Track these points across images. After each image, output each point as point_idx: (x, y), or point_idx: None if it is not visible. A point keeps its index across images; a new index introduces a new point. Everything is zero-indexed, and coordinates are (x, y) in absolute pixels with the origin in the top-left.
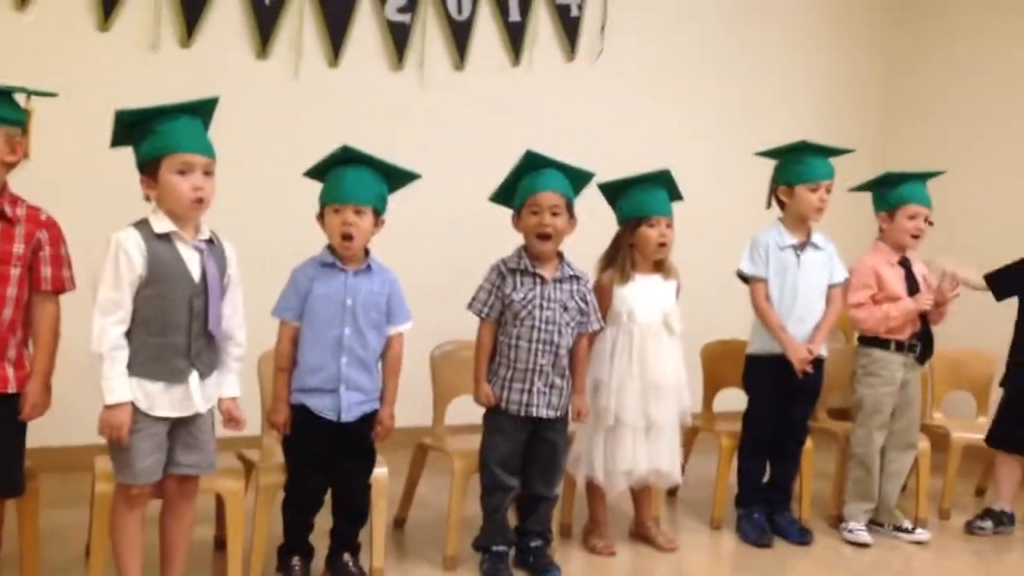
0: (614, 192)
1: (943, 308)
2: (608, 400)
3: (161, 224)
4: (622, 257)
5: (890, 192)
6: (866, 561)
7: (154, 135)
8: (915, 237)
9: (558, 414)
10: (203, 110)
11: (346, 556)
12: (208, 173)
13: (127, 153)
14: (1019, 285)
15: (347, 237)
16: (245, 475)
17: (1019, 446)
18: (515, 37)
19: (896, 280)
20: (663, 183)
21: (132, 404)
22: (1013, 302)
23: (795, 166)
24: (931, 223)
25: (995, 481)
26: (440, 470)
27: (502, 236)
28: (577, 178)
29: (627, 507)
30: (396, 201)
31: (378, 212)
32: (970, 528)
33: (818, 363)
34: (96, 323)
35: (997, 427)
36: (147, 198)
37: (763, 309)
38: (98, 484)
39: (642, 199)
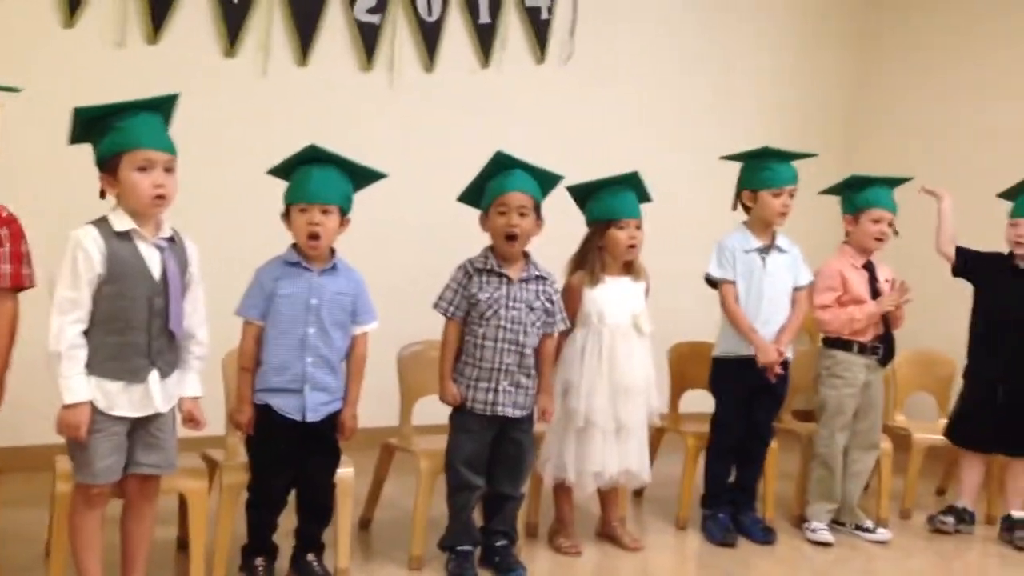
0: (583, 194)
1: (900, 311)
2: (578, 402)
3: (121, 222)
4: (592, 259)
5: (855, 196)
6: (828, 560)
7: (114, 132)
8: (879, 240)
9: (524, 414)
10: (163, 107)
11: (310, 556)
12: (169, 170)
13: (91, 150)
14: (978, 271)
15: (313, 237)
16: (209, 475)
17: (981, 445)
18: (485, 39)
19: (860, 283)
20: (632, 185)
21: (91, 403)
22: (968, 295)
23: (758, 171)
24: (896, 232)
25: (958, 479)
26: (406, 470)
27: (470, 237)
28: (545, 180)
29: (593, 507)
30: (365, 201)
31: (344, 212)
32: (932, 522)
33: (784, 365)
34: (54, 322)
35: (958, 423)
36: (102, 195)
37: (733, 311)
38: (58, 484)
39: (611, 201)
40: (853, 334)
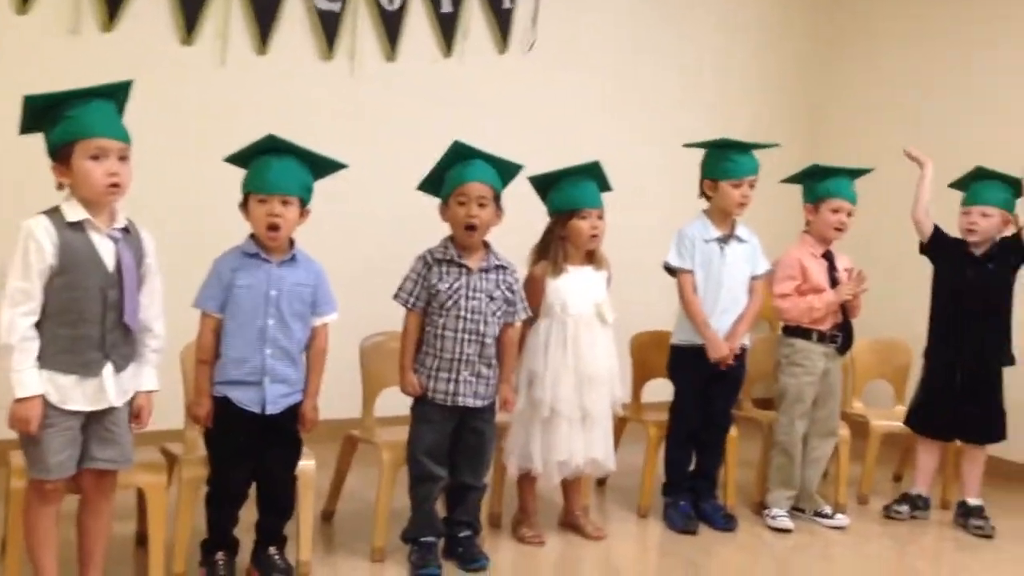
0: (545, 185)
1: (858, 301)
2: (543, 392)
3: (74, 212)
4: (554, 249)
5: (816, 185)
6: (788, 546)
7: (65, 120)
8: (838, 230)
9: (485, 403)
10: (116, 94)
11: (272, 550)
12: (123, 158)
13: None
14: (942, 252)
15: (273, 228)
16: (167, 469)
17: (939, 432)
18: (447, 28)
19: (820, 272)
20: (593, 175)
21: (43, 398)
22: (924, 284)
23: (719, 162)
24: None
25: (914, 465)
26: (369, 462)
27: (431, 227)
28: (505, 170)
29: (556, 497)
30: (325, 192)
31: (304, 202)
32: (887, 512)
33: (740, 353)
34: (5, 314)
35: (918, 411)
36: (60, 186)
37: (690, 302)
38: (13, 479)
39: (573, 191)
40: (812, 323)
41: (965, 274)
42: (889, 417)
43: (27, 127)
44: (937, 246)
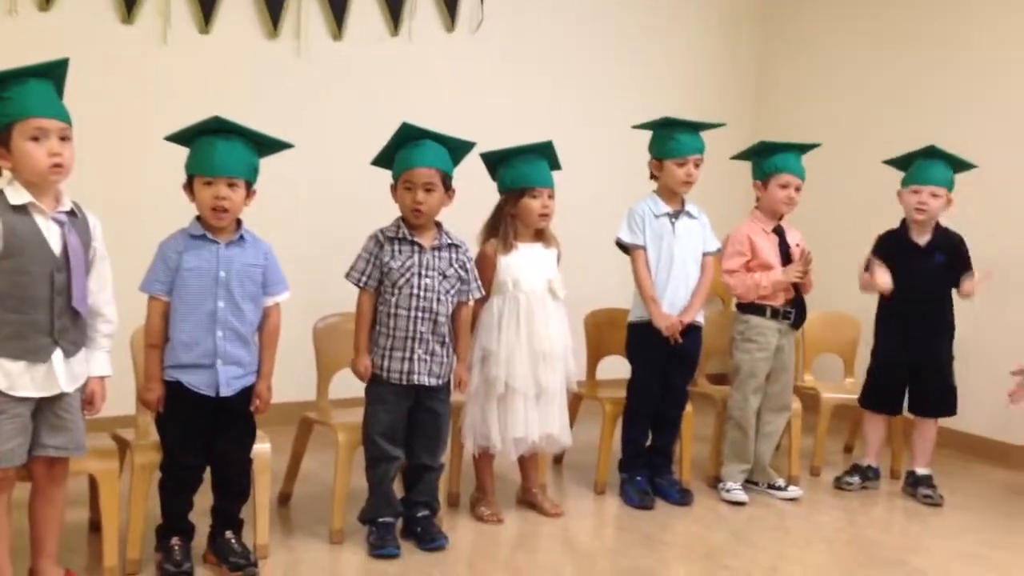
0: (496, 162)
1: (807, 278)
2: (498, 369)
3: (17, 195)
4: (504, 227)
5: (764, 161)
6: (742, 519)
7: (1, 102)
8: (787, 205)
9: (440, 382)
10: (53, 73)
11: (228, 534)
12: (65, 139)
13: None
14: (883, 254)
15: (220, 209)
16: (119, 455)
17: (885, 406)
18: (394, 6)
19: (770, 248)
20: (545, 154)
21: None
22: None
23: (664, 141)
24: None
25: (863, 438)
26: (325, 444)
27: (382, 206)
28: (456, 148)
29: (513, 475)
30: (274, 171)
31: (250, 183)
32: (839, 484)
33: (695, 330)
34: None
35: (870, 391)
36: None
37: (641, 277)
38: None
39: (524, 170)
40: (763, 299)
41: (910, 265)
42: (839, 390)
43: None
44: (885, 245)
